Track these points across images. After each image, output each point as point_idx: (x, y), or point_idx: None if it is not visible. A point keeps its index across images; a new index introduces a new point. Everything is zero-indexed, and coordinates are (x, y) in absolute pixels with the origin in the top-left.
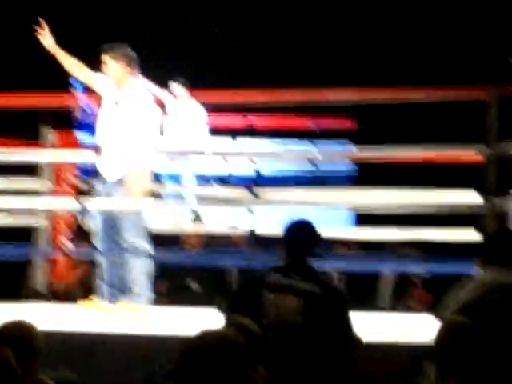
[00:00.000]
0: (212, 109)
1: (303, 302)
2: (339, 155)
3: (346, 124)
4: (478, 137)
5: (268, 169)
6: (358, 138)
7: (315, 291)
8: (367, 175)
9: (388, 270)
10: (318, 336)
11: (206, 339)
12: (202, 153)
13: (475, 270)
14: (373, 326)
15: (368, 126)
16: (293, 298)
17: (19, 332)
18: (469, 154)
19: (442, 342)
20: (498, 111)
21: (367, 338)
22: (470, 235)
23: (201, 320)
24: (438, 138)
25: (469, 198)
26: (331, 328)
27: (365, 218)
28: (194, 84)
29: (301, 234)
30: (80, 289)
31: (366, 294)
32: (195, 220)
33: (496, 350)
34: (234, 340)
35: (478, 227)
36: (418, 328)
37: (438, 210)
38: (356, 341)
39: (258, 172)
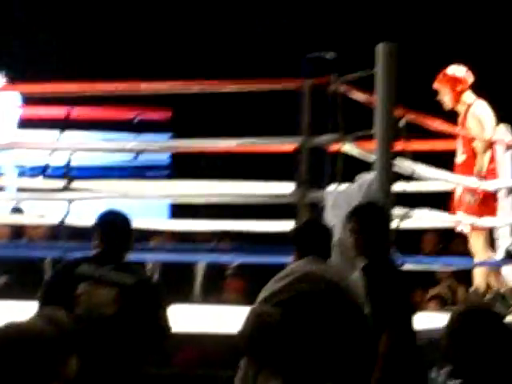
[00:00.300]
0: (33, 100)
1: (115, 292)
2: (157, 146)
3: (166, 115)
4: (293, 128)
5: (86, 160)
6: (179, 130)
7: (128, 282)
8: (185, 167)
9: (202, 260)
10: (130, 327)
11: (7, 331)
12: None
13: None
14: (185, 318)
15: (187, 118)
16: (105, 288)
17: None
18: (282, 145)
19: (247, 331)
20: (310, 103)
21: (178, 328)
22: (285, 226)
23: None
24: (256, 130)
25: (282, 188)
26: (144, 319)
27: (182, 210)
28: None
29: (114, 224)
30: None
31: (180, 285)
32: (14, 211)
33: (303, 338)
34: (38, 331)
35: (293, 218)
36: (228, 319)
37: (253, 200)
38: (168, 331)
39: (73, 164)
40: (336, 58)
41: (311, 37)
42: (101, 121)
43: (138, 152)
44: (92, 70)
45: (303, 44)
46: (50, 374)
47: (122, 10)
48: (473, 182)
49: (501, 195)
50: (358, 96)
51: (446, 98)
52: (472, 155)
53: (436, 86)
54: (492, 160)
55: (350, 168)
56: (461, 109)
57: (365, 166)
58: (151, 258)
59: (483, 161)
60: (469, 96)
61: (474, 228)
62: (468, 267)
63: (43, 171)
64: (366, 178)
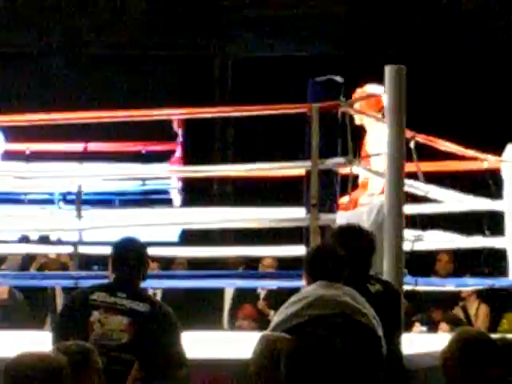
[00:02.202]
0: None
1: (130, 320)
2: (168, 171)
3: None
4: (302, 152)
5: (95, 188)
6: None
7: (142, 310)
8: (195, 194)
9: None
10: (144, 355)
11: (23, 361)
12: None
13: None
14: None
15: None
16: (118, 316)
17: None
18: (293, 169)
19: (257, 358)
20: (320, 126)
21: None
22: (297, 250)
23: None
24: (265, 154)
25: (294, 212)
26: (158, 347)
27: (194, 236)
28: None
29: (128, 252)
30: None
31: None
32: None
33: (315, 364)
34: (53, 361)
35: (305, 242)
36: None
37: (265, 224)
38: (184, 360)
39: (85, 192)
40: (344, 81)
41: (318, 60)
42: (109, 153)
43: (148, 178)
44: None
45: (310, 68)
46: None
47: None
48: (486, 204)
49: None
50: (368, 118)
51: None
52: None
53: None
54: None
55: None
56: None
57: None
58: (174, 285)
59: None
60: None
61: None
62: (482, 287)
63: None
64: (377, 200)
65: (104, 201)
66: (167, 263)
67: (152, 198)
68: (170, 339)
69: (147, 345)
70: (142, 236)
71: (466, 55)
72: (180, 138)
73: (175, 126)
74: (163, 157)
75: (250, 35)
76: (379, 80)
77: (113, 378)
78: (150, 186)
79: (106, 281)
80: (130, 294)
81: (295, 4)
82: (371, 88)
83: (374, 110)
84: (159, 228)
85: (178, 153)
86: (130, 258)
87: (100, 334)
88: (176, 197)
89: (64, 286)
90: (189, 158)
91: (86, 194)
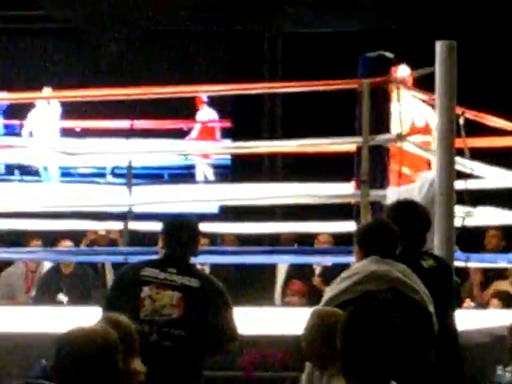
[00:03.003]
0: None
1: (180, 295)
2: (219, 147)
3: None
4: (353, 128)
5: (144, 163)
6: (234, 134)
7: (193, 285)
8: (245, 169)
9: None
10: (195, 330)
11: (74, 335)
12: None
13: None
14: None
15: (240, 122)
16: (169, 291)
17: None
18: (343, 145)
19: (312, 332)
20: (370, 102)
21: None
22: (348, 226)
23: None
24: (316, 130)
25: (344, 189)
26: (209, 322)
27: (242, 212)
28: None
29: (179, 228)
30: None
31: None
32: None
33: (368, 338)
34: (103, 335)
35: (355, 218)
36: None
37: (316, 201)
38: (234, 334)
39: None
40: (394, 56)
41: (369, 36)
42: (154, 130)
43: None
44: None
45: (361, 43)
46: (113, 378)
47: None
48: None
49: None
50: (419, 94)
51: None
52: None
53: None
54: None
55: None
56: None
57: None
58: (226, 260)
59: None
60: None
61: None
62: None
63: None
64: (428, 176)
65: (153, 175)
66: (215, 239)
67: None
68: (220, 313)
69: (198, 319)
70: (182, 208)
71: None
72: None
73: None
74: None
75: (300, 10)
76: (429, 56)
77: (164, 353)
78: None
79: (156, 256)
80: (180, 269)
81: None
82: (402, 69)
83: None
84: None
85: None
86: (183, 235)
87: (151, 310)
88: (208, 172)
89: (113, 261)
90: (239, 134)
91: (135, 169)
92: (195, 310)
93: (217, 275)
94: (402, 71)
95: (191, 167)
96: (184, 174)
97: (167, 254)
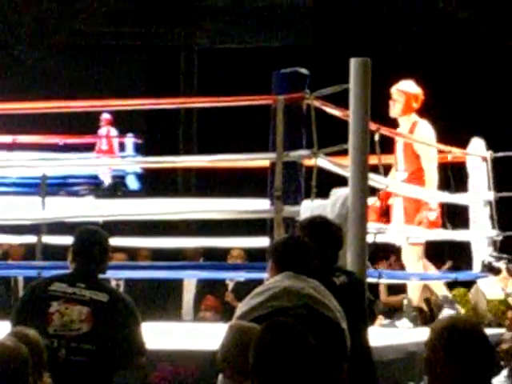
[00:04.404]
0: None
1: (89, 310)
2: (131, 162)
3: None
4: (266, 144)
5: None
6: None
7: (101, 299)
8: (160, 184)
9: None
10: (104, 344)
11: None
12: None
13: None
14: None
15: (155, 134)
16: (78, 306)
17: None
18: (257, 161)
19: (226, 347)
20: (285, 118)
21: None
22: (261, 242)
23: None
24: (233, 145)
25: (258, 204)
26: (118, 336)
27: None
28: None
29: (92, 245)
30: None
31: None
32: None
33: (282, 354)
34: (13, 349)
35: (269, 233)
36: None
37: (229, 216)
38: (143, 348)
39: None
40: (309, 72)
41: (286, 51)
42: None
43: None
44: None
45: (277, 59)
46: None
47: None
48: (449, 197)
49: (476, 207)
50: (333, 111)
51: (398, 106)
52: (415, 171)
53: (394, 91)
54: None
55: (325, 183)
56: (404, 122)
57: (339, 181)
58: (136, 276)
59: (435, 177)
60: (413, 115)
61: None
62: (446, 280)
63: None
64: (341, 193)
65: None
66: (134, 254)
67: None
68: (128, 328)
69: (107, 334)
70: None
71: (431, 45)
72: (103, 133)
73: (102, 123)
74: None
75: (217, 26)
76: (345, 72)
77: (73, 368)
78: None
79: (65, 271)
80: (89, 284)
81: None
82: (406, 85)
83: (415, 105)
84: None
85: (104, 145)
86: (93, 250)
87: (60, 325)
88: (132, 182)
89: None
90: (154, 149)
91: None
92: (104, 325)
93: (131, 290)
94: (417, 89)
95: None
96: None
97: (77, 269)
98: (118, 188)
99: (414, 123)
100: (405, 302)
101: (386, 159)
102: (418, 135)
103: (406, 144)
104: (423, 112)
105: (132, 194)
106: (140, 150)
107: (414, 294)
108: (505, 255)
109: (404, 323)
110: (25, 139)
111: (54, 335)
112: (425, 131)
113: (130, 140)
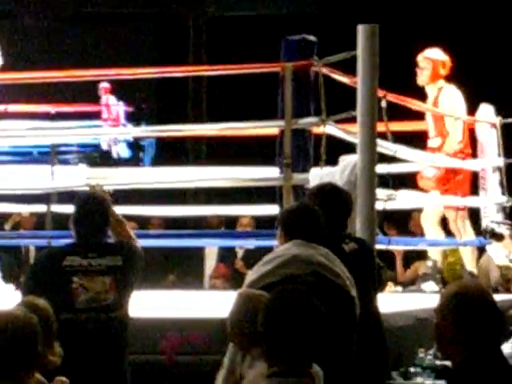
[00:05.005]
0: None
1: (110, 278)
2: (141, 131)
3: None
4: (275, 111)
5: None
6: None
7: (117, 264)
8: (170, 153)
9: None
10: (127, 307)
11: None
12: None
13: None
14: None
15: (165, 103)
16: (99, 277)
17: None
18: (266, 129)
19: (236, 314)
20: (293, 86)
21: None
22: (271, 209)
23: None
24: (242, 113)
25: (267, 172)
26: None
27: (168, 195)
28: None
29: (94, 212)
30: None
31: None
32: None
33: (291, 321)
34: (23, 318)
35: (278, 201)
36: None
37: (239, 184)
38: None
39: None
40: (317, 40)
41: (294, 19)
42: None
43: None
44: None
45: (286, 27)
46: (33, 361)
47: None
48: (456, 162)
49: (487, 174)
50: (340, 78)
51: (425, 74)
52: (444, 137)
53: (421, 59)
54: (466, 144)
55: (334, 150)
56: (431, 90)
57: (348, 148)
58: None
59: (456, 139)
60: (441, 81)
61: (459, 208)
62: (454, 246)
63: None
64: (350, 159)
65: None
66: (144, 222)
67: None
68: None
69: (128, 296)
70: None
71: (438, 13)
72: (105, 102)
73: (101, 92)
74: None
75: None
76: (353, 39)
77: (103, 338)
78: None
79: (71, 241)
80: (100, 251)
81: None
82: (433, 52)
83: (443, 72)
84: None
85: (105, 114)
86: (95, 217)
87: (87, 299)
88: (123, 150)
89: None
90: (163, 117)
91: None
92: (124, 289)
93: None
94: (444, 56)
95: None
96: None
97: (83, 238)
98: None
99: (440, 88)
100: (429, 264)
101: (394, 126)
102: (443, 99)
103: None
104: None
105: (130, 163)
106: (129, 118)
107: (437, 256)
108: (508, 221)
109: (430, 286)
110: (17, 108)
111: (82, 309)
112: (450, 95)
113: (121, 108)
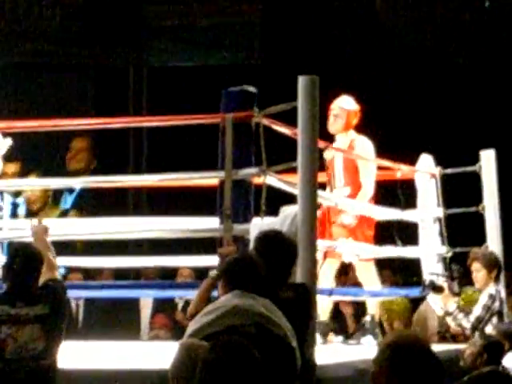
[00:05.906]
0: None
1: (39, 327)
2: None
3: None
4: (216, 162)
5: None
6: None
7: (45, 312)
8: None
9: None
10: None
11: None
12: None
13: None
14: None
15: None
16: (27, 326)
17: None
18: (206, 179)
19: (178, 365)
20: (233, 137)
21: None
22: (212, 260)
23: None
24: (182, 165)
25: (208, 222)
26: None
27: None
28: None
29: (19, 258)
30: None
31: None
32: None
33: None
34: None
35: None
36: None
37: (179, 235)
38: None
39: None
40: (257, 91)
41: (234, 70)
42: None
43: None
44: None
45: (226, 77)
46: None
47: None
48: (398, 214)
49: (426, 224)
50: (281, 129)
51: (339, 122)
52: (357, 187)
53: (335, 107)
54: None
55: (275, 201)
56: (342, 139)
57: (289, 198)
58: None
59: (370, 192)
60: (351, 131)
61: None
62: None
63: None
64: (291, 210)
65: None
66: (93, 274)
67: None
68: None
69: (57, 344)
70: None
71: (380, 64)
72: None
73: None
74: None
75: (165, 44)
76: (293, 90)
77: None
78: None
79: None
80: (28, 300)
81: (211, 13)
82: (347, 102)
83: (354, 122)
84: None
85: None
86: (25, 268)
87: (15, 349)
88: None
89: None
90: (104, 168)
91: None
92: (53, 337)
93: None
94: (356, 106)
95: None
96: None
97: (12, 287)
98: None
99: (353, 139)
100: (367, 318)
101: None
102: (358, 150)
103: (347, 159)
104: (361, 128)
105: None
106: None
107: (375, 310)
108: (446, 272)
109: (369, 340)
110: None
111: (11, 359)
112: (365, 146)
113: None
